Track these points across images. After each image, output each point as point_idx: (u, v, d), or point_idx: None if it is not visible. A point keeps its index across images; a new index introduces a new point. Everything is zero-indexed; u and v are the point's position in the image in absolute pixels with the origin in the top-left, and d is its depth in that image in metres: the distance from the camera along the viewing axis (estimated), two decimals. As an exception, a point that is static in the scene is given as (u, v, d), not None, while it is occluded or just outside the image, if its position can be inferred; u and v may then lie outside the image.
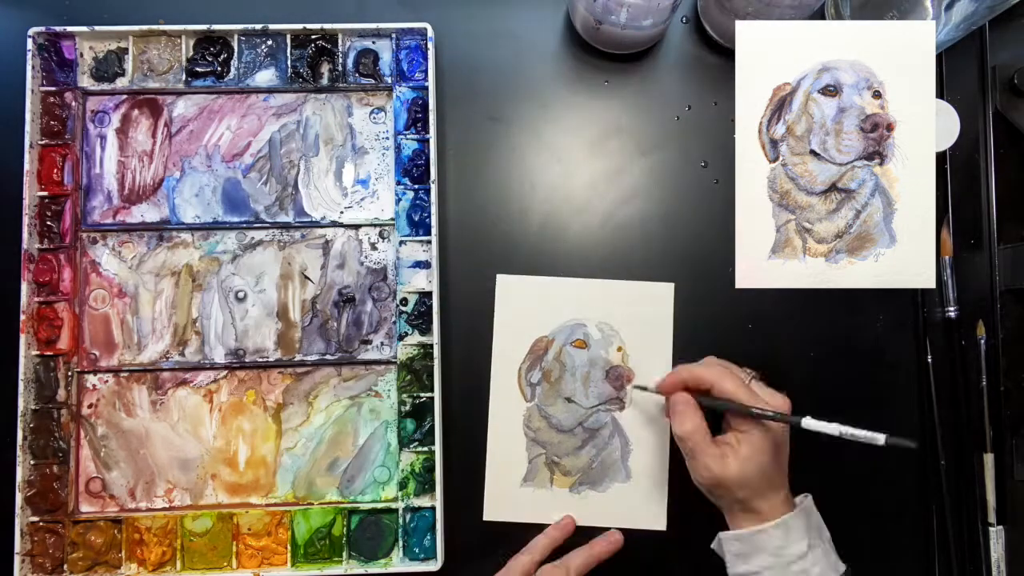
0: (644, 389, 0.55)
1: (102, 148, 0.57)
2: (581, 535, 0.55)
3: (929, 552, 0.56)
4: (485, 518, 0.56)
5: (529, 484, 0.56)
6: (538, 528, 0.55)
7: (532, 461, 0.57)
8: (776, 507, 0.47)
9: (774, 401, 0.48)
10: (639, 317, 0.57)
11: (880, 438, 0.42)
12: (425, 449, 0.55)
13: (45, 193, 0.55)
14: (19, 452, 0.53)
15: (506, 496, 0.56)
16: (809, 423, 0.45)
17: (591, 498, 0.56)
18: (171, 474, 0.55)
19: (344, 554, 0.54)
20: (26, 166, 0.54)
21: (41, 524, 0.53)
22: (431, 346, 0.55)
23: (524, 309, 0.57)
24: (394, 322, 0.56)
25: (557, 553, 0.54)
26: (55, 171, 0.55)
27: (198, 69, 0.57)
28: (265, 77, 0.57)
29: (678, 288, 0.57)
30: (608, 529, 0.56)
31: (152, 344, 0.56)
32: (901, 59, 0.52)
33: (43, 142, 0.55)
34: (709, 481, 0.47)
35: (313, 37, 0.57)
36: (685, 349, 0.57)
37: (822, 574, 0.46)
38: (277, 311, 0.56)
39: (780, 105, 0.53)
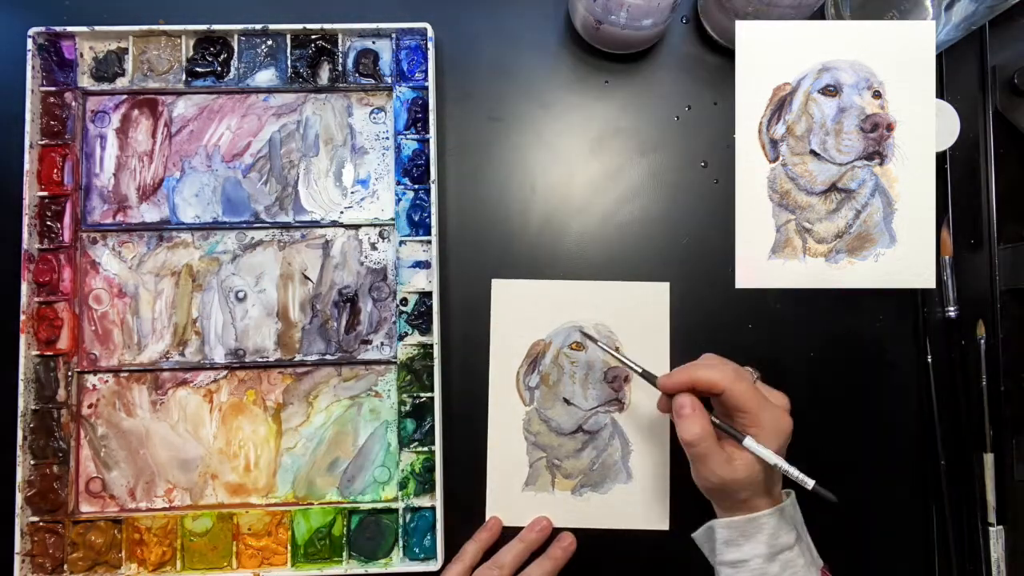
0: (650, 379, 0.51)
1: (102, 148, 0.57)
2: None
3: (929, 552, 0.56)
4: None
5: (531, 488, 0.56)
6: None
7: (533, 465, 0.56)
8: (769, 503, 0.47)
9: (779, 400, 0.48)
10: (635, 317, 0.57)
11: (809, 483, 0.45)
12: (425, 449, 0.55)
13: (45, 193, 0.55)
14: (19, 452, 0.53)
15: (508, 501, 0.56)
16: (750, 444, 0.45)
17: (593, 500, 0.56)
18: (171, 474, 0.55)
19: (344, 554, 0.54)
20: (26, 166, 0.54)
21: (41, 524, 0.53)
22: (431, 346, 0.55)
23: (520, 313, 0.57)
24: (394, 322, 0.56)
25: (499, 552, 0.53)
26: (55, 171, 0.55)
27: (198, 69, 0.57)
28: (265, 77, 0.57)
29: (678, 288, 0.57)
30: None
31: (152, 344, 0.56)
32: (901, 59, 0.52)
33: (43, 142, 0.55)
34: (716, 485, 0.46)
35: (313, 37, 0.57)
36: (685, 350, 0.57)
37: (806, 566, 0.46)
38: (277, 311, 0.56)
39: (780, 105, 0.53)
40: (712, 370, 0.47)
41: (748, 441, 0.45)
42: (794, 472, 0.45)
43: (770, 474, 0.47)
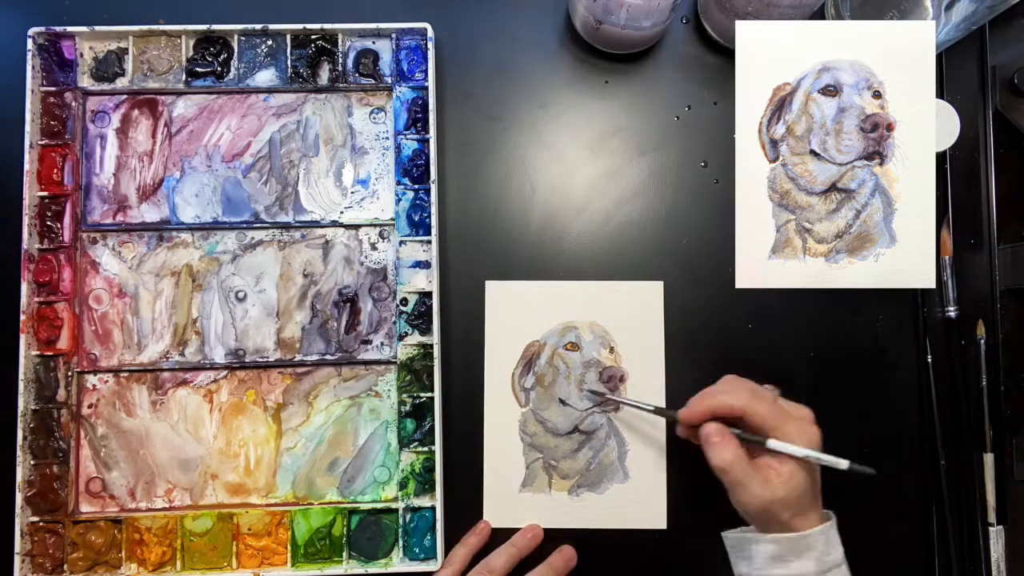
0: (668, 416, 0.52)
1: (102, 148, 0.57)
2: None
3: (929, 552, 0.56)
4: None
5: (528, 489, 0.56)
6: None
7: (530, 466, 0.56)
8: (812, 522, 0.46)
9: (800, 413, 0.47)
10: (630, 317, 0.57)
11: (843, 463, 0.45)
12: (425, 449, 0.55)
13: (45, 193, 0.55)
14: (19, 452, 0.53)
15: (505, 502, 0.56)
16: (774, 444, 0.45)
17: (590, 500, 0.56)
18: (171, 474, 0.55)
19: (344, 554, 0.54)
20: (26, 166, 0.54)
21: (41, 524, 0.53)
22: (431, 346, 0.55)
23: (515, 314, 0.57)
24: (394, 322, 0.56)
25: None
26: (55, 171, 0.55)
27: (198, 69, 0.57)
28: (265, 77, 0.57)
29: (679, 289, 0.57)
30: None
31: (152, 344, 0.56)
32: (901, 59, 0.52)
33: (43, 142, 0.55)
34: (759, 508, 0.45)
35: (313, 37, 0.57)
36: (686, 350, 0.57)
37: None
38: (277, 311, 0.56)
39: (780, 105, 0.53)
40: (728, 395, 0.47)
41: (771, 442, 0.45)
42: (827, 458, 0.45)
43: (810, 488, 0.46)
